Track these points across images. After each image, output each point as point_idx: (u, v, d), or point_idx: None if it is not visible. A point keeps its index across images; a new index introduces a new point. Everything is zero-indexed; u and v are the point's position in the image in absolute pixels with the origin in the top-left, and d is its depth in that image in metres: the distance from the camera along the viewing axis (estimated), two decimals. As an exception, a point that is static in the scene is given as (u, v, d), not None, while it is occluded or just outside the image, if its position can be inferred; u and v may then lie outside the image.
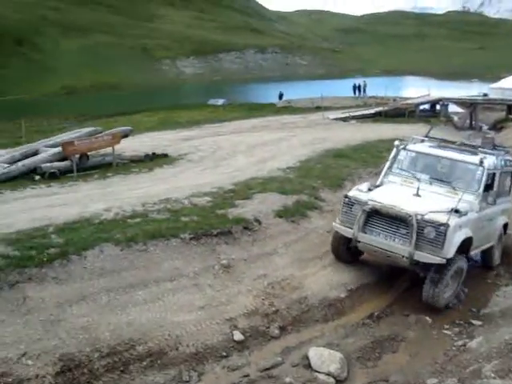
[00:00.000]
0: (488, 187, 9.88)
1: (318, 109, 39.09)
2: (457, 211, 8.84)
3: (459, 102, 39.32)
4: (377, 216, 9.17)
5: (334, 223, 10.01)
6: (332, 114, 35.73)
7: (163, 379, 6.69)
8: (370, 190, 9.88)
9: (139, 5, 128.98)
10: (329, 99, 45.05)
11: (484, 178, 9.72)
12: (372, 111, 37.97)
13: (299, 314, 8.46)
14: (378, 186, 10.27)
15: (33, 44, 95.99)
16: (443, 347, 8.00)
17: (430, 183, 10.02)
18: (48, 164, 16.42)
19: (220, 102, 51.50)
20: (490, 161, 10.00)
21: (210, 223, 10.43)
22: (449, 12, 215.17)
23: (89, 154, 17.45)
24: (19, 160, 16.69)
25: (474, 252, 10.07)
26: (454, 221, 8.60)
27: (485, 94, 39.43)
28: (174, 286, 8.51)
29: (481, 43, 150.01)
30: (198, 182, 14.45)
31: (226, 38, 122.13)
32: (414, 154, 10.66)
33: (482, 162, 9.77)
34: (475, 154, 10.29)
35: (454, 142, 11.13)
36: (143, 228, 9.89)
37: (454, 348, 7.93)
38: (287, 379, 6.95)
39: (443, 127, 31.43)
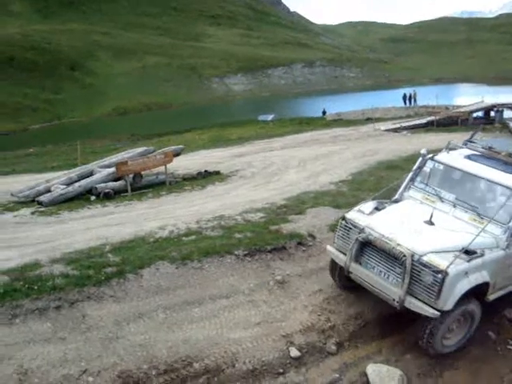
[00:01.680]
0: None
1: (369, 120, 38.81)
2: (468, 252, 7.18)
3: (515, 108, 38.29)
4: (372, 247, 7.80)
5: (328, 246, 8.79)
6: (383, 126, 35.43)
7: (220, 396, 6.66)
8: (377, 209, 8.54)
9: (186, 25, 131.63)
10: (379, 110, 44.77)
11: None
12: (424, 121, 37.42)
13: (356, 330, 8.29)
14: (395, 202, 8.94)
15: (85, 69, 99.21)
16: (509, 365, 7.68)
17: (454, 205, 8.33)
18: (103, 184, 16.87)
19: (269, 117, 51.75)
20: None
21: (264, 239, 10.40)
22: (500, 15, 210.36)
23: (142, 173, 17.79)
24: (76, 181, 17.21)
25: (498, 295, 8.07)
26: (456, 268, 6.91)
27: (542, 98, 38.27)
28: (230, 302, 8.49)
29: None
30: (250, 198, 14.50)
31: (273, 54, 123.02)
32: (441, 167, 8.91)
33: None
34: None
35: (499, 152, 8.94)
36: (198, 245, 9.96)
37: (521, 366, 7.62)
38: (346, 396, 6.83)
39: (498, 134, 30.61)
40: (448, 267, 6.85)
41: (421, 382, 7.29)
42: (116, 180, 17.24)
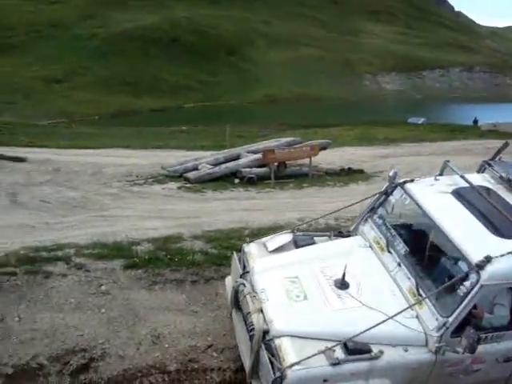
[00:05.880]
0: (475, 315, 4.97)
1: (530, 134, 36.22)
2: (347, 348, 4.74)
3: None
4: None
5: (228, 277, 6.91)
6: (545, 141, 32.86)
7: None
8: (296, 244, 6.38)
9: (345, 19, 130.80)
10: (543, 124, 41.50)
11: (469, 298, 4.77)
12: None
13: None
14: (342, 236, 6.76)
15: (242, 55, 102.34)
16: None
17: (399, 264, 5.56)
18: (247, 169, 17.26)
19: (420, 120, 50.13)
20: (507, 264, 4.79)
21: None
22: None
23: (287, 162, 17.99)
24: (222, 163, 17.72)
25: None
26: (303, 372, 4.57)
27: None
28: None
29: None
30: (391, 201, 14.13)
31: (430, 55, 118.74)
32: (407, 200, 6.21)
33: (480, 266, 4.78)
34: None
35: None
36: (334, 243, 9.89)
37: None
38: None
39: None
40: (291, 367, 4.57)
41: None
42: (260, 166, 17.56)
